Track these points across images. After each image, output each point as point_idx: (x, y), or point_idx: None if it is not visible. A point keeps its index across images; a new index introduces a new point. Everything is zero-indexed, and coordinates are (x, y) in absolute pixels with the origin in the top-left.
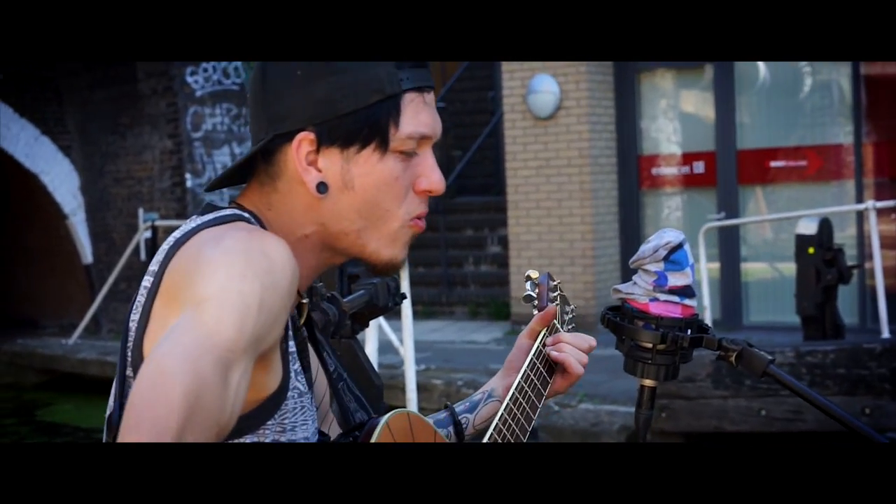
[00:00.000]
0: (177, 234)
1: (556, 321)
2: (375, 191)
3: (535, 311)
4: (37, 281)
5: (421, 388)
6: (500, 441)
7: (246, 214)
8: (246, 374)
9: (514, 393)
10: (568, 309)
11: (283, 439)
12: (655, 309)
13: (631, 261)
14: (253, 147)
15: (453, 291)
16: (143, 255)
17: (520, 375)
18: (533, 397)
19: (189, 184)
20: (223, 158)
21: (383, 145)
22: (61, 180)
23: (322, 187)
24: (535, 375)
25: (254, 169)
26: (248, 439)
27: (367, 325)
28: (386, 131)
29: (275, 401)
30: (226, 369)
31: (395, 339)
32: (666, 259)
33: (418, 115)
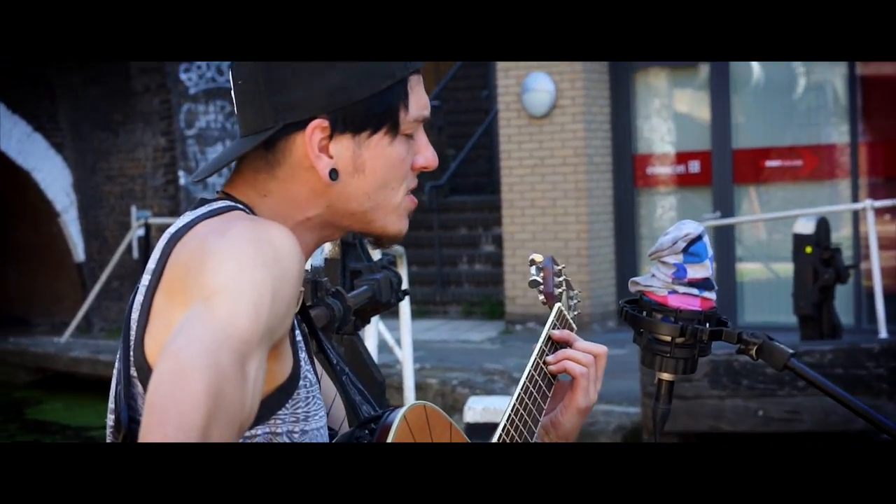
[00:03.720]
0: (171, 229)
1: (561, 305)
2: (385, 172)
3: (541, 296)
4: (29, 279)
5: (416, 387)
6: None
7: (239, 206)
8: (262, 365)
9: (514, 405)
10: (573, 294)
11: (297, 429)
12: (674, 301)
13: (650, 252)
14: (257, 137)
15: (447, 290)
16: (135, 254)
17: (518, 388)
18: (535, 412)
19: (182, 181)
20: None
21: (394, 129)
22: (53, 177)
23: (334, 174)
24: (534, 388)
25: (244, 156)
26: (259, 430)
27: (368, 321)
28: (397, 115)
29: (286, 390)
30: (243, 361)
31: (391, 339)
32: (685, 251)
33: (420, 98)
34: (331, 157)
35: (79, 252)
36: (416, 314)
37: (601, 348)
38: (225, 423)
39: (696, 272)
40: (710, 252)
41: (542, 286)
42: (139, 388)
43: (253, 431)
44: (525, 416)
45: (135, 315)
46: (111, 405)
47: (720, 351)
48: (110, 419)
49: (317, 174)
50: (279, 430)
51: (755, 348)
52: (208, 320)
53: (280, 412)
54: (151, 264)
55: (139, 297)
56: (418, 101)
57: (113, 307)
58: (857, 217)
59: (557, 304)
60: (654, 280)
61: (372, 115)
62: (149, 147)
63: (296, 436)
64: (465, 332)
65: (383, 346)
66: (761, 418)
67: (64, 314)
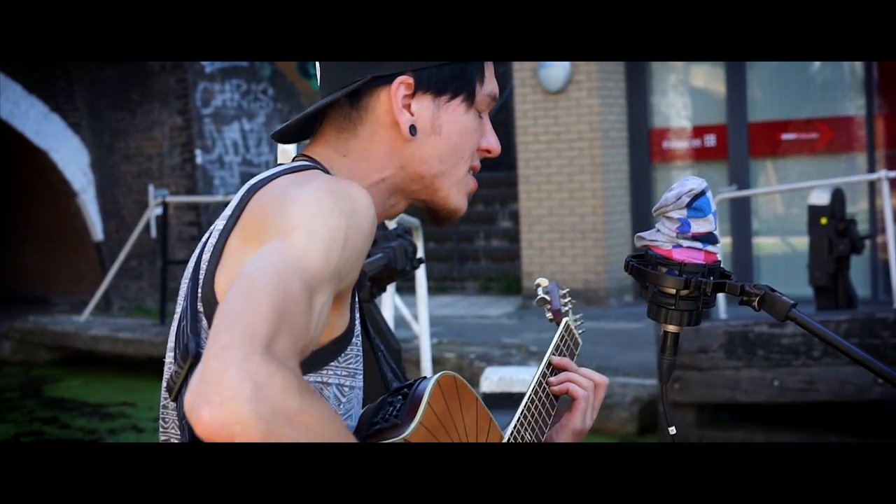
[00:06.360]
0: (251, 181)
1: (569, 321)
2: (459, 138)
3: (549, 314)
4: (48, 259)
5: (434, 361)
6: None
7: (318, 166)
8: (327, 304)
9: (517, 424)
10: (576, 317)
11: (347, 384)
12: (678, 255)
13: (654, 208)
14: (340, 90)
15: (464, 266)
16: (153, 232)
17: (521, 407)
18: (538, 431)
19: (199, 160)
20: (233, 135)
21: (470, 98)
22: (71, 157)
23: (413, 130)
24: (540, 405)
25: (323, 119)
26: (311, 377)
27: (384, 289)
28: (474, 86)
29: (340, 344)
30: (311, 293)
31: (408, 314)
32: (689, 206)
33: (492, 81)
34: (412, 115)
35: (97, 231)
36: (434, 290)
37: (602, 378)
38: (290, 339)
39: (699, 226)
40: (714, 207)
41: (549, 304)
42: (204, 322)
43: (305, 378)
44: (529, 435)
45: (206, 256)
46: (171, 343)
47: (735, 322)
48: (169, 357)
49: (395, 133)
50: (330, 381)
51: (757, 299)
52: (283, 251)
53: (332, 363)
54: (228, 211)
55: (212, 240)
56: (492, 82)
57: (131, 286)
58: (873, 189)
59: (565, 320)
60: (659, 235)
61: (453, 79)
62: (165, 126)
63: (346, 389)
64: (482, 308)
65: (400, 322)
66: (777, 388)
67: (83, 293)
